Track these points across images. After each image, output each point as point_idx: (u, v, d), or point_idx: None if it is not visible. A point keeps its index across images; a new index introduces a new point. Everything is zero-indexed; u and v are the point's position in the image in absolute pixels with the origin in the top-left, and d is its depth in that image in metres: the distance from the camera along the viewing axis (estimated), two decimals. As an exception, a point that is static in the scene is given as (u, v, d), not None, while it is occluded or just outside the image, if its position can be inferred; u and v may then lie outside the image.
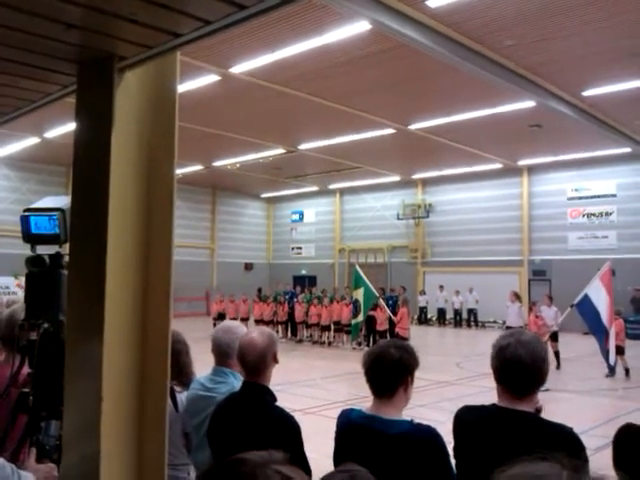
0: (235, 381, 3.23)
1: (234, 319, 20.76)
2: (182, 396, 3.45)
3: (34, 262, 2.69)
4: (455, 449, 2.56)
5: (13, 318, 3.07)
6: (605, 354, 12.94)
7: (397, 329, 17.71)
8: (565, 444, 2.24)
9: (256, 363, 2.92)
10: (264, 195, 38.51)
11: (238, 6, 1.89)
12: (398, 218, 32.66)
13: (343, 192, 35.57)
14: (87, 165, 2.37)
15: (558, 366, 15.18)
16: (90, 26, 2.06)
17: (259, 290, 25.87)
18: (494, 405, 2.46)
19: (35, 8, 1.92)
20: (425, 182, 31.87)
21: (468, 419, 2.56)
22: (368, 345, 18.36)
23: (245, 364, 2.96)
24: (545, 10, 11.51)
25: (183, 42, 2.13)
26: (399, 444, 2.47)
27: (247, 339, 3.03)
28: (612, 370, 13.91)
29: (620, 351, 14.03)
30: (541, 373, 2.39)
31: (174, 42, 2.14)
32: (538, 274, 27.85)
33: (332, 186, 34.55)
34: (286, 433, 2.76)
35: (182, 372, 3.43)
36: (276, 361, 2.98)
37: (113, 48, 2.21)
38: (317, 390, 12.68)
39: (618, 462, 2.27)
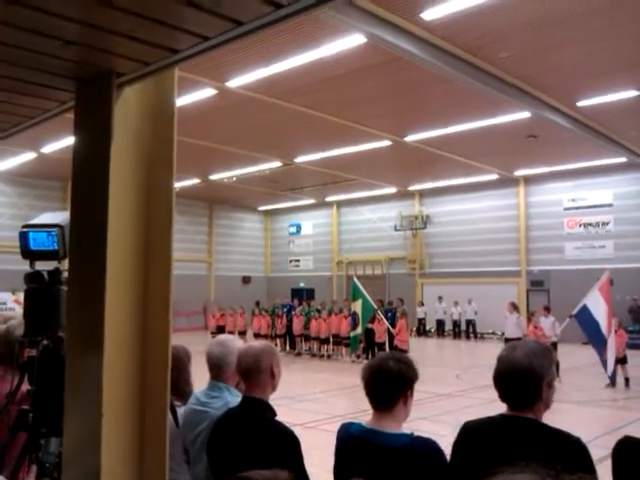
0: (229, 396, 3.21)
1: (232, 332, 20.72)
2: (181, 411, 3.44)
3: (33, 278, 2.69)
4: (456, 458, 2.54)
5: (9, 334, 3.07)
6: (604, 364, 12.93)
7: (396, 341, 17.70)
8: (571, 452, 2.23)
9: (250, 368, 2.89)
10: (261, 208, 38.53)
11: (235, 22, 1.91)
12: (395, 230, 32.69)
13: (340, 204, 35.61)
14: (86, 180, 2.38)
15: (557, 376, 15.16)
16: (88, 43, 2.07)
17: (257, 303, 25.83)
18: (500, 415, 2.46)
19: (33, 25, 1.93)
20: (422, 193, 31.92)
21: (474, 427, 2.55)
22: (367, 358, 18.30)
23: (240, 370, 2.95)
24: (540, 22, 11.58)
25: (181, 58, 2.14)
26: (399, 457, 2.46)
27: (245, 346, 3.06)
28: (613, 380, 13.89)
29: (623, 361, 14.05)
30: (534, 387, 2.38)
31: (172, 58, 2.15)
32: (536, 284, 27.87)
33: (329, 198, 34.60)
34: (286, 448, 2.74)
35: (181, 386, 3.42)
36: (273, 376, 2.94)
37: (111, 64, 2.23)
38: (317, 404, 12.62)
39: (617, 474, 2.26)
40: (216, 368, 3.35)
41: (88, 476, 2.12)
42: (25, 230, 2.67)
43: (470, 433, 2.54)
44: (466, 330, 28.53)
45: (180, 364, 3.50)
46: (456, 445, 2.57)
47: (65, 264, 2.55)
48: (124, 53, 2.14)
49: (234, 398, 3.13)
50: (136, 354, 2.28)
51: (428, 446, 2.52)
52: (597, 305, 12.56)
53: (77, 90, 2.44)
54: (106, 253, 2.18)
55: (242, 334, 22.48)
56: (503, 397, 2.44)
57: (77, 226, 2.40)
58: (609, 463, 2.31)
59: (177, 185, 26.80)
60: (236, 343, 3.38)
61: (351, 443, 2.65)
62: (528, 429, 2.34)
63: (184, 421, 3.38)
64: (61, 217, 2.66)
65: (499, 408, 2.50)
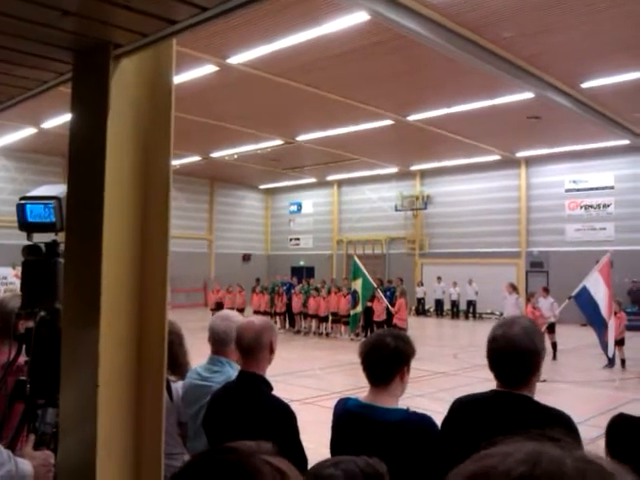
0: (231, 370, 3.23)
1: (231, 309, 20.73)
2: (177, 386, 3.45)
3: (30, 250, 2.69)
4: (446, 432, 2.55)
5: (4, 307, 3.07)
6: (604, 346, 12.98)
7: (395, 320, 17.77)
8: (560, 427, 2.24)
9: (251, 344, 2.91)
10: (262, 186, 38.45)
11: (234, -8, 1.88)
12: (396, 209, 32.66)
13: (341, 183, 35.54)
14: (83, 153, 2.36)
15: (555, 357, 15.23)
16: (86, 13, 2.05)
17: (257, 281, 25.90)
18: (492, 390, 2.47)
19: (30, -5, 1.91)
20: (423, 173, 31.85)
21: (465, 402, 2.56)
22: (366, 336, 18.37)
23: (240, 346, 2.96)
24: (544, 1, 11.46)
25: (179, 29, 2.12)
26: (394, 432, 2.48)
27: (246, 321, 3.08)
28: (611, 362, 13.97)
29: (620, 342, 14.13)
30: (532, 364, 2.38)
31: (170, 29, 2.13)
32: (536, 266, 27.89)
33: (330, 177, 34.51)
34: (281, 421, 2.76)
35: (176, 362, 3.43)
36: (272, 351, 2.97)
37: (109, 36, 2.20)
38: (315, 380, 12.71)
39: (610, 451, 2.28)
40: (219, 343, 3.35)
41: (84, 446, 2.14)
42: (22, 202, 2.66)
43: (461, 408, 2.56)
44: (466, 310, 28.60)
45: (178, 339, 3.52)
46: (446, 420, 2.58)
47: (62, 236, 2.54)
48: (121, 24, 2.11)
49: (236, 373, 3.13)
50: (132, 326, 2.29)
51: (423, 421, 2.54)
52: (597, 287, 12.54)
53: (74, 61, 2.41)
54: (103, 225, 2.18)
55: (240, 311, 22.53)
56: (498, 374, 2.43)
57: (74, 198, 2.39)
58: (602, 442, 2.33)
59: (178, 162, 26.91)
60: (240, 318, 3.39)
61: (347, 418, 2.67)
62: (519, 405, 2.35)
63: (184, 396, 3.39)
64: (58, 189, 2.65)
65: (494, 387, 2.51)
